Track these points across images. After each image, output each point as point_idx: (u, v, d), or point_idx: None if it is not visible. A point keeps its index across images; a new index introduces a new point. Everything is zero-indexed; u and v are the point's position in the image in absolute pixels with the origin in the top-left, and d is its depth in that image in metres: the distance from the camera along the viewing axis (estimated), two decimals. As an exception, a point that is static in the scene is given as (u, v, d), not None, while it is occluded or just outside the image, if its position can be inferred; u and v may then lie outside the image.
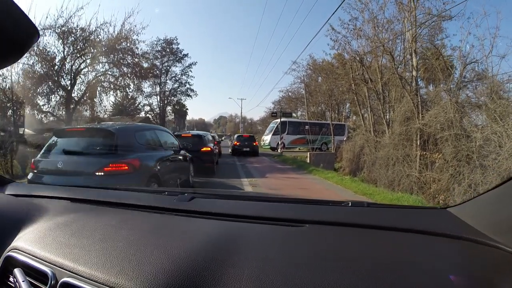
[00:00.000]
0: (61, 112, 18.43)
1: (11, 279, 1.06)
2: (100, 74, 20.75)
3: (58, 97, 18.34)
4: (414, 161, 10.67)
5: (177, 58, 33.40)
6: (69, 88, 18.25)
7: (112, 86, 21.62)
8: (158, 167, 5.45)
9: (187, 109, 42.72)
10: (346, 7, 13.56)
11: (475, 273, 0.89)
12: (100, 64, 20.51)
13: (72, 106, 18.41)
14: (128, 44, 21.18)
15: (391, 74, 12.69)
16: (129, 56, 21.72)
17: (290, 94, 36.02)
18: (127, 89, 22.61)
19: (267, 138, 28.02)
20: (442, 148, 9.58)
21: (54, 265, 0.98)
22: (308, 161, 16.90)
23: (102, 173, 4.48)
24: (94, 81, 20.24)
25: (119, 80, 21.86)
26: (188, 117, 59.22)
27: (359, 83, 15.32)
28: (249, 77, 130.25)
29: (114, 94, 22.32)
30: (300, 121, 29.43)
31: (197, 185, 7.99)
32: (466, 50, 10.61)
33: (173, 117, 38.62)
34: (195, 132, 13.41)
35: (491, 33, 9.75)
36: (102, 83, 21.12)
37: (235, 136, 25.81)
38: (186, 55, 33.82)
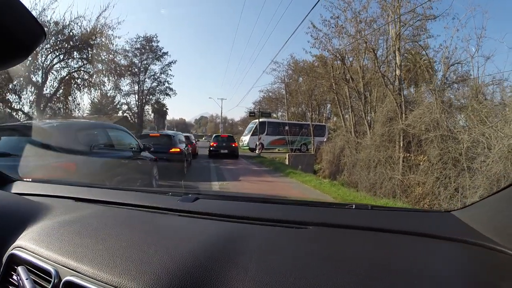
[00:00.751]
0: (32, 110, 17.33)
1: (14, 277, 1.04)
2: (73, 70, 19.66)
3: (29, 94, 17.34)
4: (396, 163, 10.20)
5: (157, 56, 32.40)
6: (40, 84, 17.24)
7: (86, 84, 20.45)
8: (105, 170, 4.71)
9: (167, 108, 42.02)
10: (328, 6, 13.03)
11: (479, 277, 0.88)
12: (74, 60, 19.52)
13: (43, 104, 17.36)
14: (103, 40, 20.18)
15: (374, 73, 12.20)
16: (104, 52, 20.68)
17: (270, 94, 35.44)
18: (102, 86, 21.54)
19: (245, 139, 27.15)
20: (426, 150, 9.15)
21: (58, 263, 0.96)
22: (287, 162, 16.24)
23: (30, 180, 3.70)
24: (67, 77, 19.18)
25: (94, 77, 20.72)
26: (169, 117, 58.59)
27: (340, 82, 14.80)
28: (229, 76, 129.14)
29: (88, 92, 21.03)
30: (279, 122, 28.79)
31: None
32: (450, 51, 10.39)
33: (152, 116, 37.59)
34: (164, 131, 12.39)
35: (477, 34, 9.51)
36: (76, 80, 20.00)
37: (213, 136, 23.34)
38: (165, 53, 32.80)
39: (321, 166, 17.10)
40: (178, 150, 10.30)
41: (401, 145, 10.12)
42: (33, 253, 1.06)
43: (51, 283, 0.94)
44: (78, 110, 20.75)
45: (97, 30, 19.59)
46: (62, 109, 19.34)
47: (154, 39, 31.94)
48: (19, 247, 1.12)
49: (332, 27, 13.31)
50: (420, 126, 9.24)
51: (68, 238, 1.11)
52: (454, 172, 8.05)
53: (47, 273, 0.97)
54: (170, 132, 13.14)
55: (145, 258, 0.92)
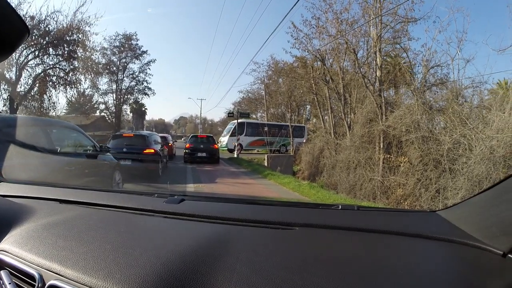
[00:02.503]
0: (5, 108, 16.58)
1: None
2: (49, 67, 18.95)
3: (2, 92, 16.70)
4: (377, 164, 10.08)
5: (136, 55, 31.57)
6: (14, 81, 16.53)
7: (62, 82, 19.68)
8: (38, 175, 4.01)
9: (146, 108, 41.35)
10: (309, 7, 12.86)
11: (465, 275, 0.90)
12: (50, 57, 18.84)
13: (16, 102, 16.63)
14: (80, 36, 19.51)
15: (354, 74, 12.07)
16: (80, 49, 20.02)
17: (250, 95, 35.04)
18: (78, 85, 20.76)
19: (224, 140, 26.58)
20: (407, 151, 9.05)
21: (41, 267, 0.95)
22: (265, 164, 15.88)
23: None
24: (42, 75, 18.47)
25: (70, 75, 20.03)
26: (148, 117, 57.85)
27: (320, 83, 14.61)
28: (208, 76, 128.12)
29: (64, 91, 20.21)
30: (259, 122, 28.39)
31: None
32: (430, 54, 10.35)
33: (130, 116, 36.96)
34: (138, 132, 11.79)
35: (458, 37, 9.52)
36: (51, 78, 19.28)
37: (189, 137, 19.92)
38: (145, 51, 31.99)
39: (300, 167, 16.88)
40: (153, 151, 9.87)
41: (381, 146, 10.00)
42: (16, 256, 1.04)
43: (35, 287, 0.92)
44: (53, 109, 20.11)
45: (74, 25, 18.93)
46: (36, 108, 18.64)
47: (134, 37, 31.26)
48: (2, 251, 1.09)
49: (313, 27, 13.15)
50: (400, 127, 9.11)
51: (52, 241, 1.08)
52: (435, 173, 7.96)
53: (31, 277, 0.95)
54: (144, 132, 12.52)
55: (130, 261, 0.90)
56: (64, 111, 31.85)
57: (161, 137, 17.41)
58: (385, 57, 12.22)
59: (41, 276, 0.93)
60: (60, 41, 18.45)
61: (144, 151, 9.55)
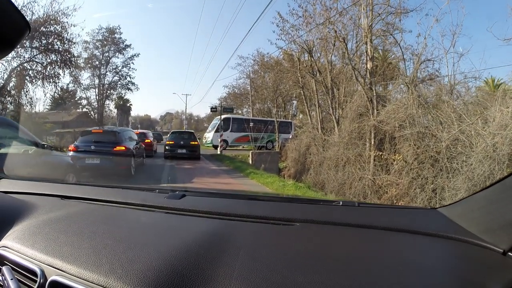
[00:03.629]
0: None
1: None
2: (25, 61, 18.22)
3: None
4: (367, 162, 9.39)
5: (119, 49, 31.37)
6: None
7: (39, 76, 19.03)
8: None
9: (131, 104, 40.52)
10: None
11: (465, 273, 0.90)
12: (26, 50, 18.12)
13: None
14: (58, 28, 18.87)
15: (343, 66, 11.41)
16: (58, 42, 19.32)
17: (236, 90, 34.19)
18: (56, 79, 19.91)
19: (209, 136, 25.66)
20: (401, 148, 8.38)
21: (43, 263, 0.95)
22: (250, 161, 15.08)
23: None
24: (19, 68, 17.81)
25: (48, 68, 19.30)
26: (133, 114, 57.01)
27: (307, 76, 13.87)
28: (193, 71, 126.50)
29: (42, 85, 19.43)
30: (244, 118, 27.55)
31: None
32: (420, 48, 9.73)
33: (114, 112, 36.57)
34: (108, 127, 10.85)
35: (452, 30, 8.93)
36: (28, 72, 18.59)
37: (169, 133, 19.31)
38: (128, 45, 31.75)
39: (286, 164, 16.20)
40: (123, 148, 9.08)
41: (372, 142, 9.33)
42: (18, 252, 1.04)
43: (37, 283, 0.92)
44: (30, 104, 19.15)
45: (50, 16, 18.28)
46: (13, 104, 17.86)
47: (117, 30, 30.91)
48: (4, 247, 1.10)
49: (300, 18, 12.42)
50: (394, 122, 8.45)
51: (53, 237, 1.08)
52: (432, 172, 7.37)
53: (33, 272, 0.95)
54: (116, 128, 11.54)
55: (132, 256, 0.90)
56: (48, 107, 31.37)
57: (140, 133, 16.51)
58: (376, 49, 11.60)
59: (42, 272, 0.92)
60: (36, 33, 17.66)
61: (115, 149, 8.78)
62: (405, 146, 8.06)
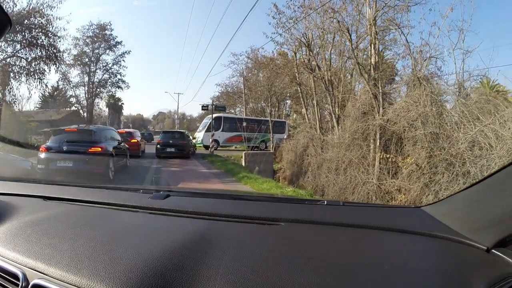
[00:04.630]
0: None
1: None
2: (7, 56, 17.34)
3: None
4: (371, 165, 8.58)
5: (110, 45, 30.57)
6: None
7: (24, 72, 18.12)
8: None
9: (122, 103, 39.65)
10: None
11: (450, 271, 0.91)
12: (8, 44, 17.14)
13: None
14: (42, 21, 17.99)
15: (345, 61, 10.58)
16: (42, 36, 18.39)
17: (228, 89, 33.23)
18: (42, 75, 18.91)
19: (199, 136, 24.58)
20: (410, 150, 7.56)
21: (25, 266, 0.93)
22: (243, 162, 14.17)
23: None
24: (1, 64, 17.09)
25: (33, 64, 18.37)
26: (126, 113, 56.31)
27: (304, 72, 13.03)
28: (185, 70, 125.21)
29: (26, 81, 18.43)
30: (236, 117, 26.61)
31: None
32: (430, 43, 9.05)
33: (105, 111, 35.89)
34: (84, 126, 9.79)
35: (457, 26, 8.51)
36: (12, 68, 17.68)
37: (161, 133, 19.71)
38: (119, 42, 30.94)
39: (281, 166, 15.36)
40: (99, 149, 8.10)
41: (378, 144, 8.50)
42: None
43: (19, 286, 0.90)
44: (14, 102, 18.21)
45: (34, 8, 17.46)
46: None
47: (108, 27, 30.10)
48: None
49: (299, 7, 11.59)
50: (403, 122, 7.65)
51: (36, 239, 1.07)
52: (448, 177, 6.60)
53: (15, 276, 0.93)
54: (93, 126, 10.42)
55: (115, 258, 0.89)
56: (38, 105, 30.45)
57: (126, 132, 15.44)
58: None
59: (24, 275, 0.90)
60: (19, 26, 16.74)
61: (90, 150, 7.87)
62: (417, 148, 7.27)
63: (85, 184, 2.04)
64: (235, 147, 24.50)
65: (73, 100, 30.63)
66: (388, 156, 8.02)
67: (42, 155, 7.74)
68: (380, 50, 9.76)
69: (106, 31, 30.16)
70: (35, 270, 0.89)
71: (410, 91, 7.96)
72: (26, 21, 17.40)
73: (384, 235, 1.14)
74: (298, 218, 1.26)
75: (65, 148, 7.67)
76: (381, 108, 8.59)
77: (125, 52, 31.35)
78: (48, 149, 7.78)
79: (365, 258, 0.94)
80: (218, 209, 1.39)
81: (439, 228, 1.10)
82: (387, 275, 0.84)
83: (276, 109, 28.20)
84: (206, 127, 23.43)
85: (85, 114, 29.76)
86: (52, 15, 18.21)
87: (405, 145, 7.81)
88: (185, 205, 1.42)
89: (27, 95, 23.52)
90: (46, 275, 0.86)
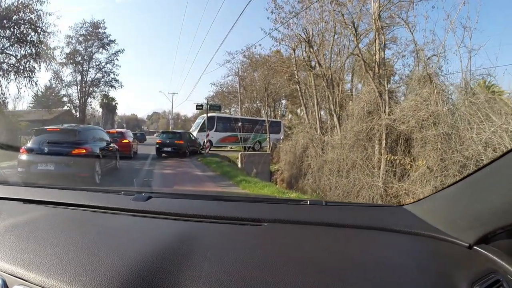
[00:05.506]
0: None
1: None
2: None
3: None
4: (377, 167, 8.11)
5: (103, 44, 30.42)
6: None
7: (13, 69, 17.61)
8: None
9: (116, 103, 39.23)
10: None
11: (433, 268, 0.91)
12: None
13: None
14: (31, 16, 17.46)
15: (346, 58, 10.08)
16: (32, 32, 17.85)
17: (223, 88, 32.69)
18: (31, 73, 18.38)
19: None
20: (419, 152, 7.10)
21: (4, 272, 0.90)
22: (239, 163, 13.64)
23: None
24: None
25: (22, 62, 17.86)
26: (120, 113, 55.87)
27: (304, 69, 12.54)
28: (179, 68, 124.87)
29: (15, 80, 17.86)
30: (231, 117, 26.05)
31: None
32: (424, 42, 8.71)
33: (98, 111, 35.19)
34: (69, 125, 9.00)
35: (462, 23, 7.81)
36: (1, 65, 17.26)
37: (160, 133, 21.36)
38: (113, 41, 30.79)
39: (278, 167, 14.85)
40: (84, 151, 7.44)
41: (384, 144, 8.03)
42: None
43: None
44: (3, 101, 17.75)
45: (23, 3, 16.98)
46: None
47: (101, 25, 30.00)
48: None
49: (298, 3, 11.11)
50: (412, 121, 7.19)
51: (15, 244, 1.04)
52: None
53: None
54: (77, 126, 9.54)
55: (96, 262, 0.87)
56: (30, 105, 29.80)
57: (118, 132, 14.80)
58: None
59: (4, 282, 0.87)
60: (7, 22, 16.31)
61: (73, 151, 7.24)
62: (427, 150, 6.81)
63: (65, 186, 1.96)
64: (231, 148, 24.06)
65: (65, 99, 30.42)
66: (396, 158, 7.54)
67: (23, 157, 7.17)
68: (384, 45, 9.21)
69: (99, 29, 30.04)
70: (15, 276, 0.86)
71: (420, 88, 7.46)
72: (14, 16, 16.77)
73: (367, 234, 1.15)
74: (281, 218, 1.26)
75: (46, 149, 7.04)
76: (387, 107, 8.13)
77: (119, 51, 31.24)
78: (28, 151, 7.19)
79: (348, 257, 0.95)
80: (200, 210, 1.37)
81: (421, 226, 1.11)
82: (371, 274, 0.84)
83: (272, 109, 27.78)
84: (199, 127, 22.88)
85: (77, 113, 29.42)
86: (42, 10, 17.73)
87: (414, 146, 7.36)
88: (167, 207, 1.41)
89: (19, 95, 23.00)
90: (27, 281, 0.84)
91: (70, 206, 1.47)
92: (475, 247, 0.94)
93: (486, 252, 0.92)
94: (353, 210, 1.54)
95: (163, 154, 16.52)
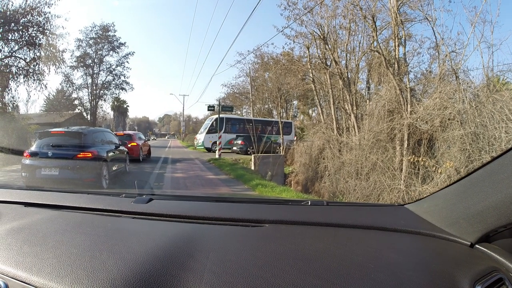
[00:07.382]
0: None
1: None
2: (4, 56, 16.72)
3: None
4: (399, 169, 7.72)
5: (113, 47, 30.70)
6: None
7: (22, 73, 17.47)
8: None
9: (128, 106, 39.58)
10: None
11: (434, 267, 0.90)
12: (5, 43, 16.63)
13: None
14: (39, 18, 17.38)
15: (364, 53, 9.71)
16: (40, 34, 17.75)
17: (235, 90, 32.52)
18: (41, 76, 18.23)
19: (200, 137, 23.66)
20: (444, 153, 6.71)
21: (6, 275, 0.90)
22: (252, 166, 13.30)
23: None
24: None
25: (32, 65, 17.72)
26: (132, 116, 56.27)
27: (318, 68, 12.18)
28: (190, 70, 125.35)
29: (25, 83, 17.76)
30: (240, 118, 25.78)
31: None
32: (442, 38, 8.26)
33: (109, 113, 36.27)
34: (74, 128, 8.46)
35: (481, 18, 7.57)
36: (10, 68, 17.04)
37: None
38: (123, 43, 31.11)
39: (293, 169, 14.49)
40: (90, 155, 7.06)
41: (406, 145, 7.64)
42: None
43: None
44: (13, 104, 17.61)
45: (31, 6, 16.88)
46: None
47: (111, 28, 30.28)
48: None
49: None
50: (436, 120, 6.80)
51: (17, 247, 1.03)
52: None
53: None
54: (83, 128, 8.98)
55: (97, 265, 0.87)
56: (43, 108, 30.45)
57: (126, 134, 14.46)
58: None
59: (6, 285, 0.87)
60: (15, 24, 16.20)
61: (79, 155, 6.87)
62: (453, 151, 6.42)
63: (66, 189, 1.93)
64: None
65: (76, 102, 30.78)
66: (419, 159, 7.15)
67: (26, 162, 6.84)
68: (405, 40, 8.81)
69: (110, 32, 30.33)
70: (17, 280, 0.85)
71: (443, 86, 7.06)
72: (22, 19, 16.80)
73: (369, 233, 1.14)
74: (282, 219, 1.25)
75: (50, 153, 6.74)
76: (409, 106, 7.74)
77: (129, 54, 31.60)
78: (32, 155, 6.86)
79: (350, 257, 0.94)
80: (201, 212, 1.37)
81: (423, 225, 1.12)
82: (373, 273, 0.83)
83: (284, 109, 27.46)
84: (207, 129, 22.66)
85: (89, 116, 29.67)
86: (50, 12, 17.73)
87: (438, 147, 6.97)
88: (168, 209, 1.41)
89: (28, 98, 23.03)
90: (29, 284, 0.83)
91: (72, 209, 1.47)
92: (477, 246, 0.95)
93: (488, 251, 0.92)
94: (354, 210, 1.54)
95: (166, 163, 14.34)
